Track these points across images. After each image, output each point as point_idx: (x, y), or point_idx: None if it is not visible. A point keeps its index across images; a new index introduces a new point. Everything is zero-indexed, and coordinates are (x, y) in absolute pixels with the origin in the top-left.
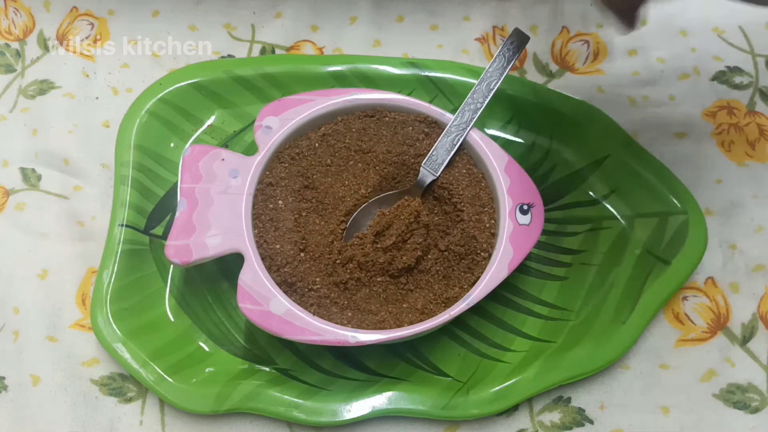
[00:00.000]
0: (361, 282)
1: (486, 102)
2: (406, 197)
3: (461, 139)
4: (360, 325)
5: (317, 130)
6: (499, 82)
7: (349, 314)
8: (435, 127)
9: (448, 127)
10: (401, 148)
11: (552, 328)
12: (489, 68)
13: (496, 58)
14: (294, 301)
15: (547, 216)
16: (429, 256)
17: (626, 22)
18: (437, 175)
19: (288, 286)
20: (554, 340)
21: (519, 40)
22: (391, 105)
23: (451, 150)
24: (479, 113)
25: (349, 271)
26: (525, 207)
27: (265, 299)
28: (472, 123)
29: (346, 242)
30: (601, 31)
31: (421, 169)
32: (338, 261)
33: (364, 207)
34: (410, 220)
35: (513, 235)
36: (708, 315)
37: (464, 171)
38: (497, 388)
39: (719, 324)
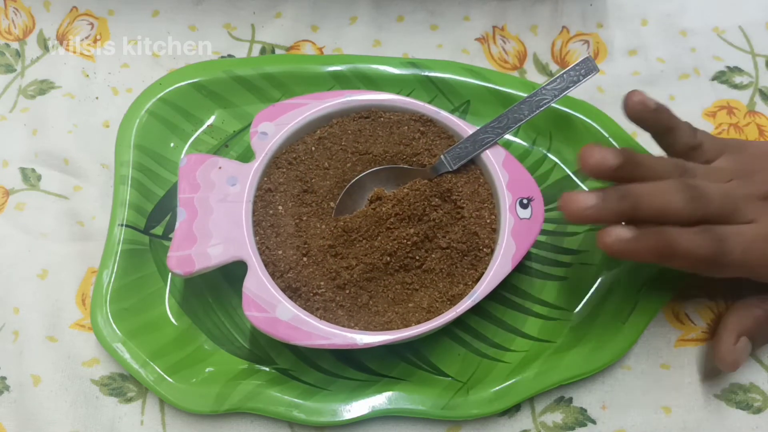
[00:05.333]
0: (365, 283)
1: (530, 117)
2: (417, 179)
3: (491, 142)
4: (367, 327)
5: (313, 133)
6: (552, 102)
7: (356, 317)
8: (431, 125)
9: (482, 127)
10: (398, 148)
11: (552, 328)
12: (546, 86)
13: (556, 78)
14: (300, 306)
15: (547, 216)
16: (432, 255)
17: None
18: (454, 168)
19: (293, 292)
20: (554, 340)
21: (587, 69)
22: (386, 105)
23: (477, 149)
24: (519, 124)
25: (354, 271)
26: (525, 201)
27: (271, 306)
28: (509, 131)
29: (338, 215)
30: (601, 31)
31: (442, 156)
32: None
33: (363, 181)
34: (426, 196)
35: (514, 229)
36: (708, 315)
37: (462, 167)
38: (497, 388)
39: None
